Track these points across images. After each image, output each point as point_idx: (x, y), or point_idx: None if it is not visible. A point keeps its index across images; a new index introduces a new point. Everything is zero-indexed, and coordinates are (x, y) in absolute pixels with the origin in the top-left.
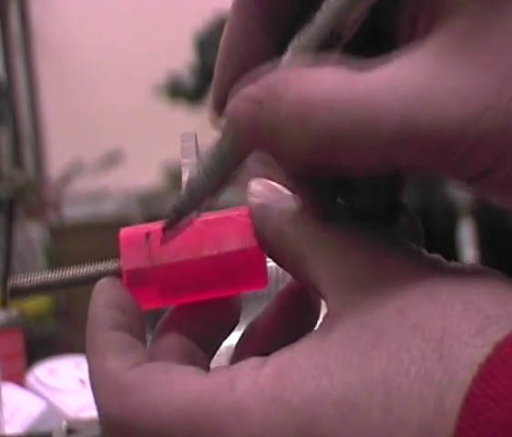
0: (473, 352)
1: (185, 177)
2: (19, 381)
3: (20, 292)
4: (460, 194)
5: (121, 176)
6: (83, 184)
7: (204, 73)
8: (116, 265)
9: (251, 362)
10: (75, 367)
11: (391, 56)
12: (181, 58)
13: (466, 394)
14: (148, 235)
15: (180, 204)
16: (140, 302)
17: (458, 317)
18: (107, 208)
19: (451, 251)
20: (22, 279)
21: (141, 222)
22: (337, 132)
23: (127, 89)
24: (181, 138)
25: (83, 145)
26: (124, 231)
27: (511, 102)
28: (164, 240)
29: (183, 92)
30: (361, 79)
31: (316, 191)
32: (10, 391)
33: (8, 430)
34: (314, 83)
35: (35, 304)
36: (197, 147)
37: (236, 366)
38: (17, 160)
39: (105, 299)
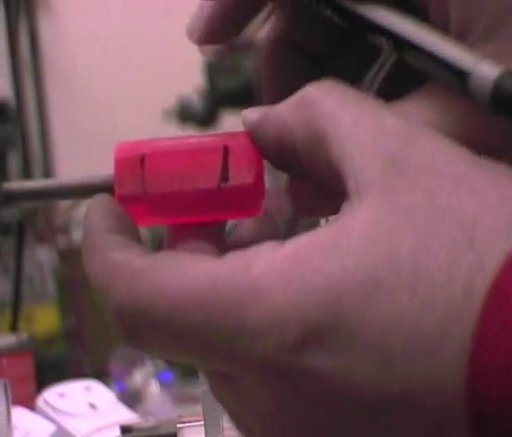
0: (506, 242)
1: None
2: (29, 404)
3: (13, 198)
4: None
5: None
6: None
7: (213, 97)
8: (111, 179)
9: (267, 245)
10: (84, 391)
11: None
12: (191, 83)
13: (494, 280)
14: (142, 160)
15: None
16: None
17: (492, 207)
18: None
19: None
20: (16, 185)
21: (150, 242)
22: None
23: (136, 113)
24: None
25: (92, 168)
26: (119, 150)
27: None
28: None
29: (192, 116)
30: None
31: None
32: (20, 414)
33: None
34: None
35: (45, 328)
36: None
37: (251, 249)
38: None
39: (101, 209)
